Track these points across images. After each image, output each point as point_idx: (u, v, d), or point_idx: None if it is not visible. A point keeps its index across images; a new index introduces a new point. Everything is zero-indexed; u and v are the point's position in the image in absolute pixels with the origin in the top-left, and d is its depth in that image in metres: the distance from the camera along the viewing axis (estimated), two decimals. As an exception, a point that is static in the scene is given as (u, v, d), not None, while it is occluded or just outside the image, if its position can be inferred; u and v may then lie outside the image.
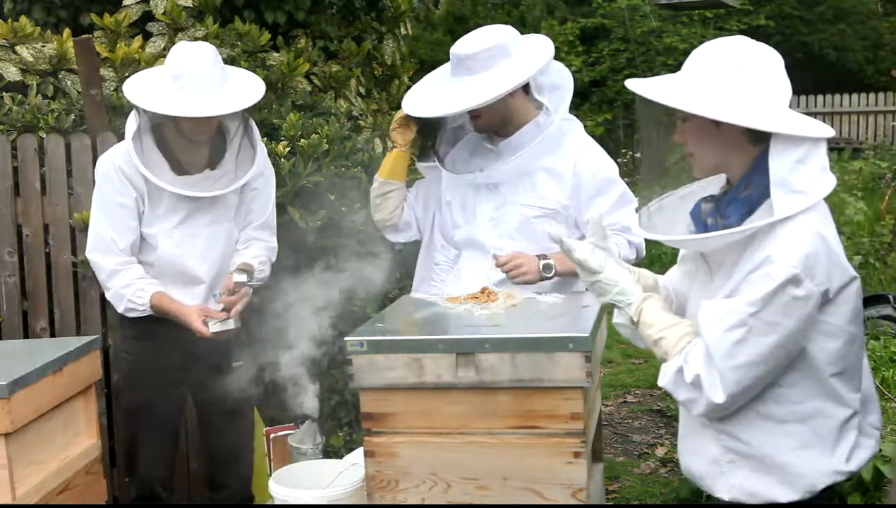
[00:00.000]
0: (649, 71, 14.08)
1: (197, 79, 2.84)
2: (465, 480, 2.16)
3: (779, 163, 1.88)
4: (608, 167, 2.91)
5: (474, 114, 2.89)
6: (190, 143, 2.96)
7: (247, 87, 2.98)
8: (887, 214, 7.09)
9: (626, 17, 13.99)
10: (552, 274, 2.81)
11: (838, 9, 16.38)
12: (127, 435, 3.30)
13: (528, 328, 2.26)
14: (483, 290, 2.61)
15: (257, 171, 3.07)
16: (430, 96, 2.91)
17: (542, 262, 2.81)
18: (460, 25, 13.97)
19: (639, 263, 2.70)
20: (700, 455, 2.08)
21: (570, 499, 2.11)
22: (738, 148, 1.97)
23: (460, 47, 2.82)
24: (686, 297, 2.20)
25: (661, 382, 2.00)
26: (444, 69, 2.97)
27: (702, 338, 1.93)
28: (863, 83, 16.03)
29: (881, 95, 15.49)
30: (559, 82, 2.95)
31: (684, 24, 14.60)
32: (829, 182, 1.93)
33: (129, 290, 2.96)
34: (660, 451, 4.64)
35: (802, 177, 1.88)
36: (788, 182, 1.88)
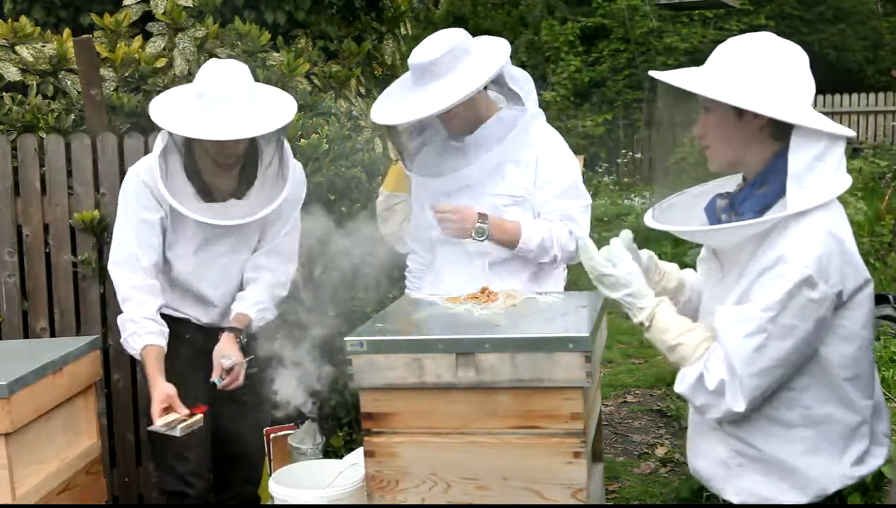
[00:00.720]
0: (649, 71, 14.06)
1: (219, 99, 2.74)
2: (465, 480, 2.16)
3: (797, 157, 1.88)
4: (566, 157, 2.96)
5: (449, 117, 2.87)
6: (217, 166, 2.88)
7: (273, 110, 2.84)
8: (887, 214, 7.10)
9: (626, 17, 14.00)
10: (484, 238, 2.83)
11: (838, 9, 16.37)
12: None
13: (528, 328, 2.26)
14: (483, 290, 2.61)
15: (283, 199, 2.94)
16: (402, 105, 2.87)
17: (477, 225, 2.81)
18: (460, 25, 13.95)
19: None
20: (709, 456, 2.08)
21: (570, 499, 2.11)
22: (757, 143, 1.97)
23: (421, 56, 2.80)
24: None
25: (679, 388, 2.00)
26: (404, 81, 2.95)
27: (720, 344, 1.92)
28: (863, 83, 16.02)
29: (881, 95, 15.47)
30: (524, 80, 2.98)
31: (684, 24, 14.59)
32: (844, 181, 1.93)
33: (130, 327, 2.87)
34: (660, 451, 4.64)
35: (818, 175, 1.88)
36: (805, 177, 1.87)
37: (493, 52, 2.86)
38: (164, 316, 2.96)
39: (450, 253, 3.00)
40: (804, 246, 1.84)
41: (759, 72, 1.92)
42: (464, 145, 2.94)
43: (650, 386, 5.68)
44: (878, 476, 3.02)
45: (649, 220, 2.13)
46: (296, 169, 3.01)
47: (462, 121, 2.90)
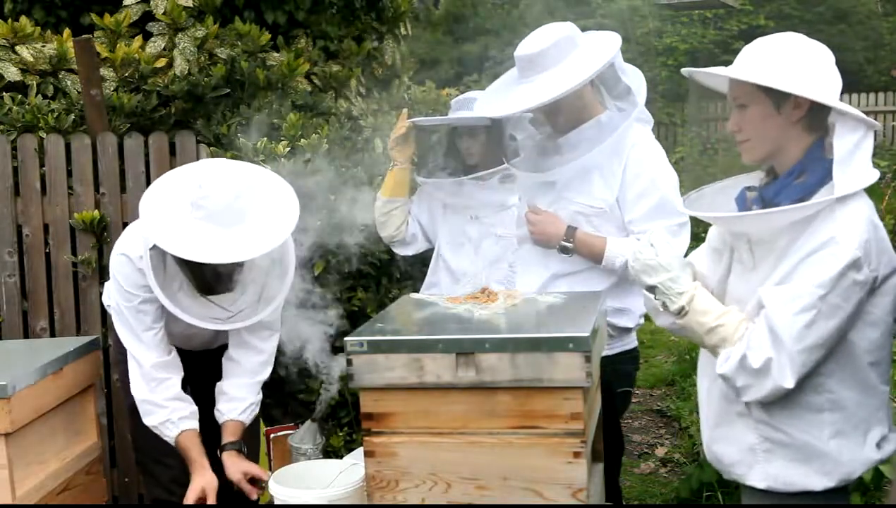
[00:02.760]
0: (649, 71, 14.09)
1: (214, 213, 2.51)
2: (465, 480, 2.16)
3: (842, 142, 1.94)
4: (655, 170, 2.77)
5: (555, 111, 2.79)
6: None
7: (269, 227, 2.57)
8: (887, 214, 7.09)
9: (625, 18, 13.99)
10: (569, 254, 2.80)
11: (838, 9, 16.38)
12: (136, 434, 2.97)
13: (528, 328, 2.26)
14: (483, 290, 2.61)
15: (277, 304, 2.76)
16: (506, 98, 2.80)
17: (562, 243, 2.79)
18: (460, 25, 13.96)
19: None
20: (734, 443, 2.09)
21: (570, 499, 2.11)
22: (793, 134, 2.01)
23: (527, 48, 2.71)
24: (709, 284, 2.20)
25: (722, 369, 2.00)
26: (510, 74, 2.87)
27: (766, 322, 1.93)
28: (863, 83, 16.02)
29: (881, 95, 15.48)
30: (635, 83, 2.85)
31: (684, 24, 14.60)
32: (875, 173, 1.99)
33: (159, 413, 2.73)
34: (660, 451, 4.64)
35: (858, 161, 1.95)
36: (847, 163, 1.93)
37: (601, 47, 2.74)
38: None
39: (528, 252, 2.93)
40: (852, 229, 1.89)
41: (796, 64, 1.97)
42: (557, 145, 2.84)
43: (650, 386, 5.68)
44: (878, 475, 3.02)
45: (684, 208, 2.16)
46: (288, 250, 2.76)
47: (567, 116, 2.80)
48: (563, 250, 2.79)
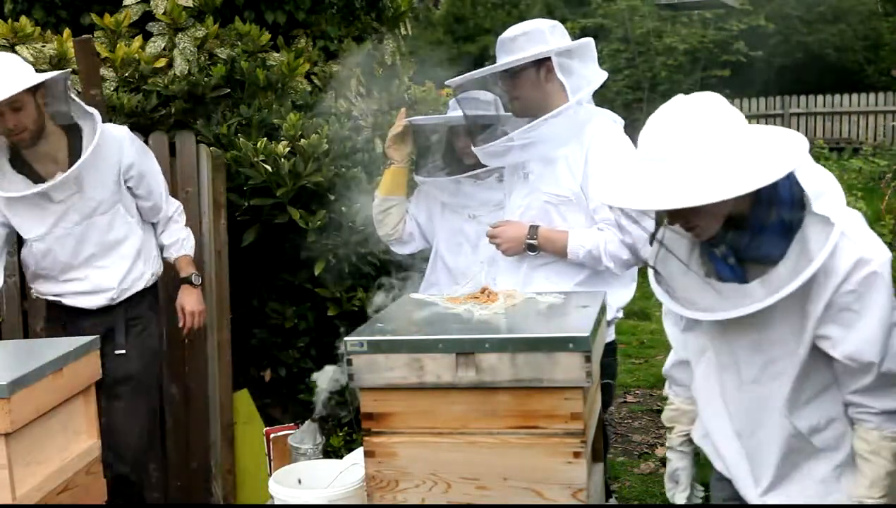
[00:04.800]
0: (649, 71, 14.09)
1: None
2: (465, 480, 2.16)
3: (808, 181, 1.92)
4: (616, 158, 2.84)
5: (512, 95, 2.95)
6: (23, 146, 3.09)
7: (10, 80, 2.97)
8: (887, 214, 7.09)
9: (625, 18, 14.00)
10: (535, 253, 2.93)
11: (838, 9, 16.38)
12: None
13: (528, 328, 2.26)
14: (483, 290, 2.61)
15: (128, 162, 3.23)
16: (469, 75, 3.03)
17: (527, 241, 2.91)
18: (460, 25, 13.96)
19: (642, 266, 2.63)
20: (806, 484, 2.10)
21: (570, 499, 2.11)
22: (749, 197, 1.93)
23: (503, 34, 2.94)
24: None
25: None
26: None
27: (872, 375, 1.94)
28: (863, 83, 16.03)
29: (881, 95, 15.48)
30: (591, 77, 2.97)
31: (684, 24, 14.61)
32: (823, 170, 1.98)
33: None
34: (660, 451, 4.64)
35: (816, 177, 1.95)
36: (819, 190, 1.92)
37: (560, 43, 2.91)
38: (55, 304, 3.33)
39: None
40: (865, 237, 1.92)
41: (734, 159, 1.87)
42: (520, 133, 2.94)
43: (650, 386, 5.68)
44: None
45: (683, 311, 2.07)
46: (107, 134, 3.17)
47: (524, 102, 2.93)
48: (530, 248, 2.92)
